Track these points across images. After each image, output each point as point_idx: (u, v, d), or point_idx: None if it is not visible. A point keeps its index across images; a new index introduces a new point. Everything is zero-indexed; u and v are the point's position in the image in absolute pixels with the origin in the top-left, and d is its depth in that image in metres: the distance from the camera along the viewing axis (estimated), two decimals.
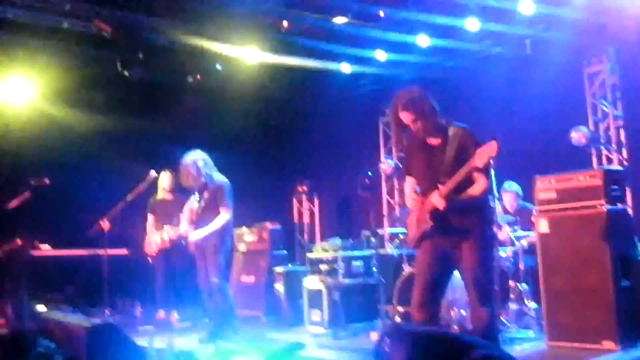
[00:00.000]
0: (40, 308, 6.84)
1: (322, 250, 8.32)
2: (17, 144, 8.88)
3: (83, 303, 7.73)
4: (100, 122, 9.33)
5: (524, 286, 6.67)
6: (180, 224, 7.55)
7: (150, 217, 8.53)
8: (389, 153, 10.40)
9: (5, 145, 8.84)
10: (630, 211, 7.06)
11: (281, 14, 7.90)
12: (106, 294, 7.48)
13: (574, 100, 8.06)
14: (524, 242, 6.84)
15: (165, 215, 8.29)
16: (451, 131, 4.75)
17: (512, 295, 6.64)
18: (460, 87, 8.71)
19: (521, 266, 6.71)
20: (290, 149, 10.96)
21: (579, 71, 8.10)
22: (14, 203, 7.63)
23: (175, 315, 8.46)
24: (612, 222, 5.87)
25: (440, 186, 4.63)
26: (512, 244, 6.85)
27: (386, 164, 10.05)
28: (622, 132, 7.87)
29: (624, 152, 7.80)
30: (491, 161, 4.48)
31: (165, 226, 8.10)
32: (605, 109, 7.97)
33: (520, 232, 6.94)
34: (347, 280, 7.79)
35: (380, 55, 8.65)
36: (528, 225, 7.00)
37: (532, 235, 6.70)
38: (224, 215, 7.02)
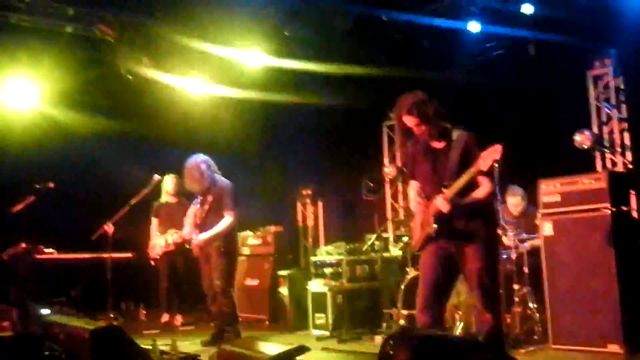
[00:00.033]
0: (45, 311, 6.83)
1: (327, 253, 8.33)
2: (20, 148, 8.89)
3: (87, 306, 7.73)
4: (104, 125, 9.35)
5: (528, 289, 6.65)
6: (184, 227, 7.56)
7: (154, 221, 8.53)
8: (393, 157, 10.39)
9: (8, 149, 8.86)
10: (634, 214, 7.04)
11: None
12: (110, 297, 7.50)
13: (578, 103, 8.05)
14: (528, 246, 6.82)
15: (169, 219, 8.30)
16: (455, 135, 4.76)
17: (516, 299, 6.62)
18: (462, 90, 8.70)
19: (525, 269, 6.70)
20: (294, 152, 10.95)
21: (582, 74, 8.08)
22: (18, 207, 7.64)
23: (179, 319, 8.46)
24: (616, 225, 5.86)
25: (444, 189, 4.63)
26: (517, 247, 6.83)
27: (390, 168, 10.04)
28: (626, 135, 7.85)
29: (628, 155, 7.78)
30: (496, 164, 4.48)
31: (169, 230, 8.11)
32: (609, 111, 7.96)
33: (525, 236, 6.92)
34: (351, 284, 7.79)
35: None
36: (532, 229, 6.98)
37: (537, 239, 6.69)
38: (228, 219, 7.01)
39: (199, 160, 7.10)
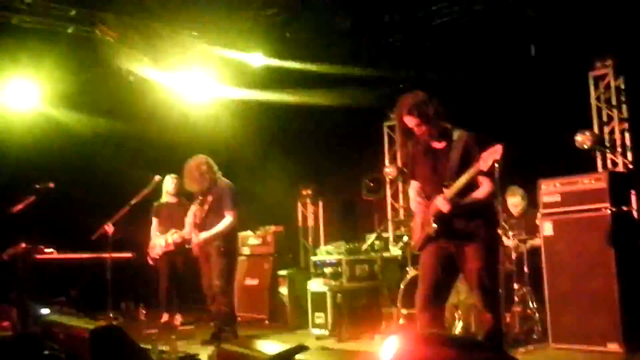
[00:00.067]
0: (45, 311, 6.84)
1: (326, 253, 8.32)
2: (21, 148, 8.90)
3: (87, 306, 7.73)
4: (105, 125, 9.36)
5: (528, 289, 6.65)
6: (184, 227, 7.56)
7: (154, 221, 8.53)
8: (393, 157, 10.39)
9: (9, 149, 8.87)
10: (635, 214, 7.04)
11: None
12: (110, 297, 7.49)
13: (579, 103, 8.04)
14: (528, 245, 6.82)
15: (169, 219, 8.30)
16: (456, 135, 4.76)
17: (516, 298, 6.62)
18: (465, 91, 8.70)
19: (525, 269, 6.70)
20: (294, 152, 10.95)
21: (583, 74, 8.08)
22: (18, 207, 7.65)
23: (178, 319, 8.46)
24: (617, 225, 5.86)
25: (444, 189, 4.63)
26: (517, 247, 6.83)
27: (390, 168, 10.05)
28: (627, 135, 7.85)
29: (629, 155, 7.78)
30: (496, 165, 4.48)
31: (170, 230, 8.11)
32: (609, 112, 7.95)
33: (525, 236, 6.92)
34: (351, 284, 7.79)
35: None
36: (532, 229, 6.98)
37: (537, 239, 6.69)
38: (229, 219, 7.02)
39: (199, 160, 7.11)
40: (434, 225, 4.71)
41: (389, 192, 10.48)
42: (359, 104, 9.59)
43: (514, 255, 6.76)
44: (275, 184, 10.76)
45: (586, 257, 5.94)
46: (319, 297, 7.75)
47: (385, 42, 8.32)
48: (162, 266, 8.37)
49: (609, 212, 5.88)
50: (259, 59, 8.63)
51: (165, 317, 8.44)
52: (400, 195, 10.38)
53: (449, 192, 4.60)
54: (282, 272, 8.80)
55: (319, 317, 7.72)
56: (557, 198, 6.25)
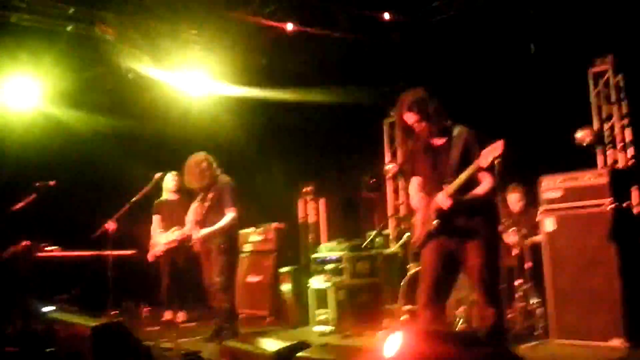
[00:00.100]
0: (47, 309, 6.84)
1: (328, 250, 8.32)
2: (21, 146, 8.90)
3: (89, 304, 7.73)
4: (105, 123, 9.36)
5: (529, 285, 6.65)
6: (185, 224, 7.56)
7: (155, 218, 8.53)
8: (394, 154, 10.39)
9: (10, 147, 8.87)
10: (636, 210, 7.04)
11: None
12: (112, 295, 7.49)
13: (579, 100, 8.04)
14: (529, 242, 6.82)
15: (170, 216, 8.30)
16: (456, 132, 4.76)
17: (518, 294, 6.63)
18: (464, 87, 8.70)
19: (527, 265, 6.70)
20: (295, 149, 10.95)
21: (583, 71, 8.08)
22: (19, 205, 7.65)
23: (180, 316, 8.47)
24: (618, 220, 5.86)
25: (445, 186, 4.63)
26: (518, 244, 6.83)
27: (391, 165, 10.04)
28: (627, 132, 7.84)
29: (629, 151, 7.77)
30: (496, 161, 4.48)
31: (171, 227, 8.11)
32: (609, 109, 7.94)
33: (526, 232, 6.92)
34: (352, 280, 7.79)
35: None
36: (533, 225, 6.98)
37: (538, 235, 6.69)
38: (230, 215, 7.02)
39: (199, 157, 7.11)
40: (435, 222, 4.71)
41: (390, 189, 10.48)
42: (359, 101, 9.60)
43: (515, 252, 6.76)
44: (276, 181, 10.76)
45: (587, 253, 5.95)
46: (321, 294, 7.75)
47: (385, 40, 8.31)
48: (163, 263, 8.37)
49: (610, 208, 5.88)
50: (258, 57, 8.63)
51: (167, 314, 8.45)
52: (401, 193, 10.38)
53: (449, 188, 4.60)
54: (284, 269, 8.80)
55: (321, 314, 7.72)
56: (559, 194, 6.25)
